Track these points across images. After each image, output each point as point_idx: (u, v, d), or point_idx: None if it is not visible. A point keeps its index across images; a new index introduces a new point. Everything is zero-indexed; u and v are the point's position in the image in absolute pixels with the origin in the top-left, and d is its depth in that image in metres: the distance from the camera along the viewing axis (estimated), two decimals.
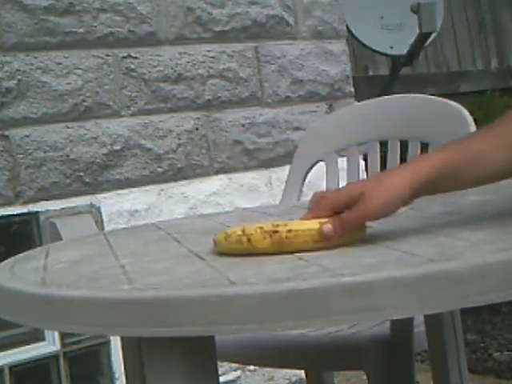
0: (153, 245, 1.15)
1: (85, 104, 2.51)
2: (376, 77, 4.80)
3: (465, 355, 1.49)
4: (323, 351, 1.45)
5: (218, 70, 2.80)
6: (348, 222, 0.90)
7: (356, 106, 2.20)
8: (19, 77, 2.40)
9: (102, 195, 2.52)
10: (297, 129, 2.97)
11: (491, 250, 0.77)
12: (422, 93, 1.88)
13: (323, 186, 1.89)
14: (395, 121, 1.81)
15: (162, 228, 1.32)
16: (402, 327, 1.38)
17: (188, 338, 0.76)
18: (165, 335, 0.76)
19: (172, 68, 2.70)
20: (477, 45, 5.52)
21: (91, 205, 2.49)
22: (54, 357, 2.37)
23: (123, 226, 2.47)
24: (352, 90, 3.15)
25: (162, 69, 2.68)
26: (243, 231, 0.91)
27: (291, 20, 3.00)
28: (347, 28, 3.38)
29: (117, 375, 2.44)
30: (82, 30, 2.52)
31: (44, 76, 2.44)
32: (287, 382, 2.82)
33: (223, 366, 2.59)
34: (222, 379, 2.59)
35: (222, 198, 2.77)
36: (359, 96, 3.04)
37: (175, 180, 2.69)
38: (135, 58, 2.63)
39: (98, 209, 2.50)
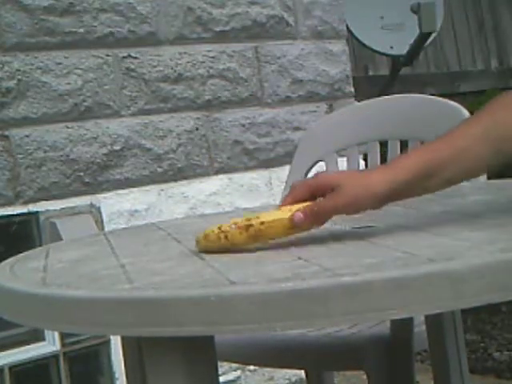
0: (153, 245, 1.15)
1: (85, 104, 2.51)
2: (376, 77, 4.80)
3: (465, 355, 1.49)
4: (323, 351, 1.45)
5: (218, 70, 2.80)
6: (319, 209, 0.92)
7: (356, 105, 2.21)
8: (19, 77, 2.40)
9: (102, 195, 2.52)
10: (297, 129, 2.97)
11: (491, 250, 0.77)
12: (422, 93, 1.88)
13: None
14: (395, 121, 1.81)
15: (162, 228, 1.32)
16: (402, 327, 1.38)
17: (188, 337, 0.76)
18: (165, 335, 0.76)
19: (172, 68, 2.70)
20: (477, 45, 5.52)
21: (91, 205, 2.49)
22: (54, 357, 2.37)
23: (123, 226, 2.47)
24: (352, 90, 3.15)
25: (162, 69, 2.68)
26: (220, 228, 0.95)
27: (291, 20, 3.00)
28: (347, 28, 3.38)
29: (117, 375, 2.44)
30: (81, 30, 2.52)
31: (44, 76, 2.44)
32: (287, 382, 2.82)
33: (223, 366, 2.59)
34: (222, 379, 2.58)
35: (222, 198, 2.77)
36: (359, 96, 3.04)
37: (175, 180, 2.69)
38: (135, 58, 2.63)
39: (98, 209, 2.50)
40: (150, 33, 2.66)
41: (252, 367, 2.71)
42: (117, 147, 2.56)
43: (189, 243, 1.09)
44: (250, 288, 0.74)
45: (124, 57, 2.60)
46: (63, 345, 2.37)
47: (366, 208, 0.93)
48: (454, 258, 0.76)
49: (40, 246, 2.34)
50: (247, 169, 2.85)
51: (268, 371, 2.78)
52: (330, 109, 3.07)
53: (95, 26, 2.55)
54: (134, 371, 1.10)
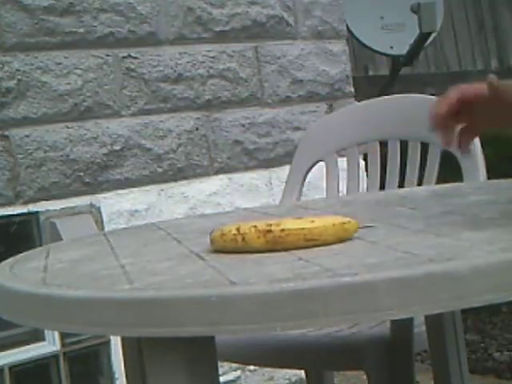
0: (153, 245, 1.15)
1: (85, 104, 2.51)
2: (376, 77, 4.80)
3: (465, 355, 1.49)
4: (323, 351, 1.45)
5: (218, 70, 2.80)
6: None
7: (356, 105, 2.21)
8: (19, 77, 2.40)
9: (102, 195, 2.52)
10: (297, 129, 2.97)
11: (492, 250, 0.77)
12: (422, 93, 1.88)
13: (323, 186, 1.89)
14: (395, 121, 1.81)
15: (162, 228, 1.32)
16: (402, 327, 1.38)
17: (188, 338, 0.76)
18: (165, 335, 0.76)
19: (172, 68, 2.70)
20: (477, 45, 5.52)
21: (91, 205, 2.49)
22: (54, 357, 2.37)
23: (123, 226, 2.47)
24: (352, 90, 3.15)
25: (162, 69, 2.68)
26: (238, 230, 0.94)
27: (291, 20, 3.00)
28: (347, 28, 3.38)
29: (117, 375, 2.44)
30: (82, 30, 2.52)
31: (44, 76, 2.44)
32: (287, 382, 2.82)
33: (223, 366, 2.59)
34: (222, 379, 2.58)
35: (222, 198, 2.77)
36: (359, 96, 3.04)
37: (175, 180, 2.69)
38: (135, 58, 2.63)
39: (98, 209, 2.50)
40: (149, 33, 2.66)
41: (252, 367, 2.71)
42: (117, 147, 2.56)
43: (189, 243, 1.09)
44: (250, 288, 0.74)
45: (124, 57, 2.60)
46: (63, 345, 2.37)
47: None
48: (455, 258, 0.76)
49: (40, 246, 2.34)
50: (247, 169, 2.85)
51: (268, 371, 2.78)
52: (330, 109, 3.07)
53: (95, 26, 2.55)
54: (134, 371, 1.10)
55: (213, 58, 2.79)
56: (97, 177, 2.52)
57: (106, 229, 2.48)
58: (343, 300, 0.71)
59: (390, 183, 1.77)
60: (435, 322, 1.45)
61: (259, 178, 2.87)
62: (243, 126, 2.85)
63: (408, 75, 4.69)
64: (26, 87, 2.41)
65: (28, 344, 2.34)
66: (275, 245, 0.92)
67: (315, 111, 3.04)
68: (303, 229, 0.92)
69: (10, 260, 1.13)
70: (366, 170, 1.87)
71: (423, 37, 4.06)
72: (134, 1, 2.63)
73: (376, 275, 0.72)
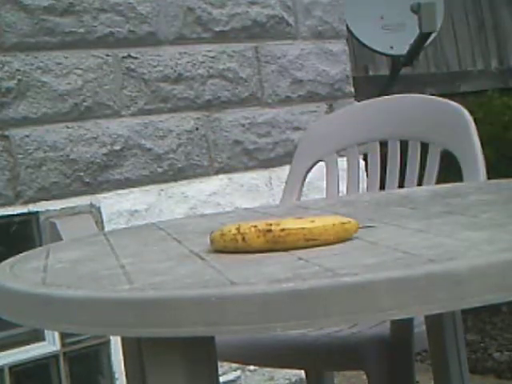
0: (153, 245, 1.15)
1: (85, 104, 2.51)
2: (376, 77, 4.80)
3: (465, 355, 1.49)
4: (323, 351, 1.45)
5: (218, 70, 2.81)
6: None
7: (356, 106, 2.21)
8: (19, 77, 2.40)
9: (102, 195, 2.52)
10: (297, 129, 2.97)
11: (492, 250, 0.77)
12: (422, 93, 1.89)
13: (323, 186, 1.89)
14: (395, 121, 1.81)
15: (162, 228, 1.32)
16: (402, 327, 1.38)
17: (188, 338, 0.76)
18: (165, 335, 0.76)
19: (172, 68, 2.70)
20: (477, 45, 5.52)
21: (91, 205, 2.49)
22: (54, 357, 2.37)
23: (123, 226, 2.47)
24: (352, 90, 3.15)
25: (161, 69, 2.68)
26: (238, 230, 0.94)
27: (291, 20, 3.00)
28: (347, 28, 3.38)
29: (117, 375, 2.44)
30: (82, 30, 2.52)
31: (44, 76, 2.44)
32: (287, 382, 2.82)
33: (223, 366, 2.59)
34: (222, 379, 2.59)
35: (222, 198, 2.77)
36: (359, 96, 3.04)
37: (175, 180, 2.69)
38: (135, 58, 2.63)
39: (98, 209, 2.50)
40: (149, 33, 2.66)
41: (252, 367, 2.71)
42: (117, 147, 2.56)
43: (189, 243, 1.09)
44: (250, 288, 0.74)
45: (124, 57, 2.60)
46: (63, 345, 2.37)
47: None
48: (454, 258, 0.76)
49: (40, 246, 2.34)
50: (247, 169, 2.85)
51: (268, 371, 2.78)
52: (330, 109, 3.07)
53: (95, 26, 2.55)
54: (134, 371, 1.10)
55: (213, 58, 2.79)
56: (97, 177, 2.52)
57: (106, 229, 2.48)
58: (343, 300, 0.71)
59: (389, 183, 1.77)
60: (435, 322, 1.45)
61: (259, 178, 2.87)
62: (243, 126, 2.85)
63: (408, 75, 4.69)
64: (26, 87, 2.41)
65: (28, 344, 2.34)
66: (275, 245, 0.92)
67: (315, 111, 3.04)
68: (303, 229, 0.92)
69: (10, 260, 1.13)
70: (366, 170, 1.87)
71: (423, 37, 4.06)
72: (134, 1, 2.63)
73: (376, 275, 0.72)
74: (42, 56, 2.45)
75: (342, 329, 1.45)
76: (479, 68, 5.48)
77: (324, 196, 1.89)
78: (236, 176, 2.82)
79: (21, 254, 1.19)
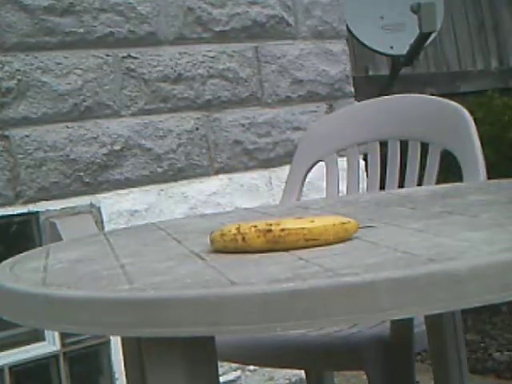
0: (153, 245, 1.15)
1: (85, 104, 2.52)
2: (376, 77, 4.80)
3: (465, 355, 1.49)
4: (323, 351, 1.45)
5: (218, 70, 2.81)
6: None
7: (356, 105, 2.21)
8: (19, 77, 2.40)
9: (102, 195, 2.52)
10: (297, 129, 2.97)
11: (492, 251, 0.77)
12: (422, 93, 1.89)
13: (323, 186, 1.89)
14: (395, 121, 1.81)
15: (162, 228, 1.32)
16: (402, 327, 1.38)
17: (188, 338, 0.76)
18: (165, 335, 0.76)
19: (172, 68, 2.70)
20: (477, 45, 5.52)
21: (91, 205, 2.49)
22: (54, 357, 2.37)
23: (123, 226, 2.47)
24: (352, 90, 3.15)
25: (161, 69, 2.68)
26: (238, 230, 0.94)
27: (291, 20, 3.00)
28: (347, 28, 3.38)
29: (117, 375, 2.44)
30: (82, 30, 2.52)
31: (44, 76, 2.44)
32: (287, 382, 2.82)
33: (223, 366, 2.59)
34: (222, 379, 2.58)
35: (222, 198, 2.77)
36: (359, 96, 3.04)
37: (175, 180, 2.69)
38: (135, 58, 2.63)
39: (98, 209, 2.50)
40: (149, 33, 2.66)
41: (252, 367, 2.71)
42: (117, 147, 2.56)
43: (189, 243, 1.09)
44: (250, 288, 0.74)
45: (124, 57, 2.60)
46: (63, 345, 2.37)
47: None
48: (454, 258, 0.76)
49: (40, 246, 2.34)
50: (247, 169, 2.85)
51: (268, 371, 2.78)
52: (330, 109, 3.07)
53: (95, 26, 2.55)
54: (134, 371, 1.10)
55: (213, 58, 2.79)
56: (97, 177, 2.52)
57: (106, 229, 2.48)
58: (343, 300, 0.71)
59: (389, 183, 1.77)
60: (435, 322, 1.45)
61: (259, 178, 2.87)
62: (243, 125, 2.85)
63: (408, 75, 4.69)
64: (26, 87, 2.41)
65: (28, 344, 2.34)
66: (275, 245, 0.92)
67: (315, 111, 3.04)
68: (303, 229, 0.92)
69: (10, 260, 1.13)
70: (366, 170, 1.87)
71: (423, 37, 4.06)
72: (134, 1, 2.63)
73: (376, 275, 0.72)
74: (42, 56, 2.45)
75: (341, 329, 1.45)
76: (479, 68, 5.48)
77: (324, 196, 1.89)
78: (236, 176, 2.82)
79: (21, 254, 1.19)
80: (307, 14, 3.04)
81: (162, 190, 2.65)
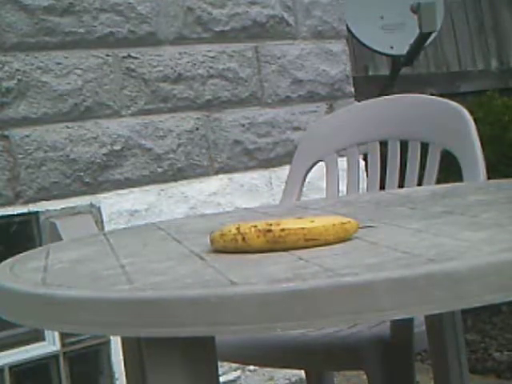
0: (153, 245, 1.15)
1: (85, 104, 2.52)
2: (376, 77, 4.80)
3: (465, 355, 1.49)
4: (323, 351, 1.45)
5: (218, 70, 2.81)
6: None
7: (356, 106, 2.21)
8: (19, 77, 2.40)
9: (102, 195, 2.52)
10: (297, 129, 2.97)
11: (492, 251, 0.77)
12: (422, 93, 1.89)
13: (323, 186, 1.89)
14: (395, 121, 1.81)
15: (162, 228, 1.32)
16: (402, 327, 1.38)
17: (188, 338, 0.76)
18: (165, 335, 0.76)
19: (172, 68, 2.70)
20: (477, 45, 5.52)
21: (91, 205, 2.49)
22: (54, 357, 2.37)
23: (123, 226, 2.47)
24: (352, 90, 3.15)
25: (162, 69, 2.68)
26: (238, 230, 0.94)
27: (291, 20, 3.00)
28: (347, 28, 3.38)
29: (117, 375, 2.44)
30: (82, 30, 2.52)
31: (44, 76, 2.44)
32: (287, 382, 2.82)
33: (223, 366, 2.59)
34: (222, 379, 2.59)
35: (222, 198, 2.77)
36: (359, 96, 3.04)
37: (175, 180, 2.69)
38: (135, 57, 2.63)
39: (98, 209, 2.50)
40: (149, 33, 2.66)
41: (252, 367, 2.71)
42: (117, 147, 2.56)
43: (189, 243, 1.09)
44: (250, 288, 0.74)
45: (124, 57, 2.60)
46: (63, 345, 2.37)
47: None
48: (454, 258, 0.76)
49: (40, 246, 2.34)
50: (247, 169, 2.85)
51: (268, 371, 2.78)
52: (330, 109, 3.07)
53: (95, 26, 2.55)
54: (134, 371, 1.10)
55: (213, 58, 2.79)
56: (97, 177, 2.52)
57: (106, 229, 2.48)
58: (343, 300, 0.71)
59: (389, 183, 1.77)
60: (435, 322, 1.45)
61: (259, 178, 2.87)
62: (243, 125, 2.85)
63: (408, 75, 4.69)
64: (26, 87, 2.41)
65: (28, 344, 2.34)
66: (275, 245, 0.92)
67: (315, 111, 3.04)
68: (303, 229, 0.92)
69: (10, 260, 1.13)
70: (366, 170, 1.87)
71: (423, 37, 4.06)
72: (134, 1, 2.63)
73: (376, 275, 0.72)
74: (42, 56, 2.45)
75: (341, 329, 1.45)
76: (479, 68, 5.48)
77: (324, 196, 1.89)
78: (236, 176, 2.82)
79: (21, 254, 1.19)
80: (307, 14, 3.04)
81: (162, 189, 2.65)
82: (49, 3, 2.46)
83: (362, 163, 2.38)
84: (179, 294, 0.76)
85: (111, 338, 2.42)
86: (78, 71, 2.51)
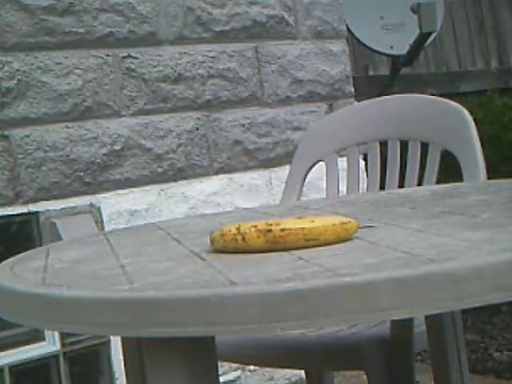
0: (153, 245, 1.15)
1: (85, 104, 2.51)
2: (376, 77, 4.80)
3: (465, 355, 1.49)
4: (323, 351, 1.45)
5: (218, 70, 2.81)
6: None
7: (356, 105, 2.21)
8: (19, 77, 2.40)
9: (102, 195, 2.52)
10: (297, 129, 2.97)
11: (491, 250, 0.77)
12: (422, 93, 1.89)
13: (323, 186, 1.89)
14: (395, 121, 1.81)
15: (162, 228, 1.32)
16: (402, 327, 1.38)
17: (188, 338, 0.76)
18: (165, 335, 0.76)
19: (172, 68, 2.70)
20: (477, 45, 5.52)
21: (91, 205, 2.49)
22: (54, 357, 2.37)
23: (123, 226, 2.47)
24: (352, 90, 3.15)
25: (162, 69, 2.68)
26: (238, 230, 0.94)
27: (291, 20, 3.00)
28: (347, 28, 3.38)
29: (117, 375, 2.44)
30: (82, 30, 2.52)
31: (44, 76, 2.44)
32: (287, 381, 2.82)
33: (223, 366, 2.59)
34: (222, 379, 2.59)
35: (222, 198, 2.77)
36: (359, 96, 3.04)
37: (175, 180, 2.69)
38: (135, 57, 2.63)
39: (98, 209, 2.50)
40: (149, 33, 2.66)
41: (252, 367, 2.71)
42: (117, 147, 2.56)
43: (189, 243, 1.09)
44: (250, 288, 0.74)
45: (124, 57, 2.60)
46: (63, 345, 2.37)
47: None
48: (454, 258, 0.76)
49: (40, 246, 2.34)
50: (247, 169, 2.85)
51: (268, 371, 2.78)
52: (330, 109, 3.07)
53: (95, 26, 2.55)
54: (134, 371, 1.10)
55: (213, 58, 2.79)
56: (97, 177, 2.52)
57: (106, 229, 2.48)
58: (343, 300, 0.71)
59: (389, 183, 1.77)
60: (435, 322, 1.45)
61: (259, 178, 2.87)
62: (243, 125, 2.85)
63: (408, 75, 4.69)
64: (26, 87, 2.41)
65: (28, 344, 2.34)
66: (275, 244, 0.92)
67: (315, 111, 3.04)
68: (303, 228, 0.92)
69: (10, 260, 1.13)
70: (366, 170, 1.87)
71: (423, 37, 4.07)
72: (134, 1, 2.63)
73: (376, 275, 0.72)
74: (42, 56, 2.45)
75: (342, 329, 1.45)
76: (479, 68, 5.48)
77: (324, 196, 1.89)
78: (236, 176, 2.82)
79: (21, 254, 1.19)
80: (307, 14, 3.04)
81: (162, 189, 2.65)
82: (49, 3, 2.46)
83: (362, 163, 2.38)
84: (179, 294, 0.76)
85: (111, 338, 2.42)
86: (78, 71, 2.51)
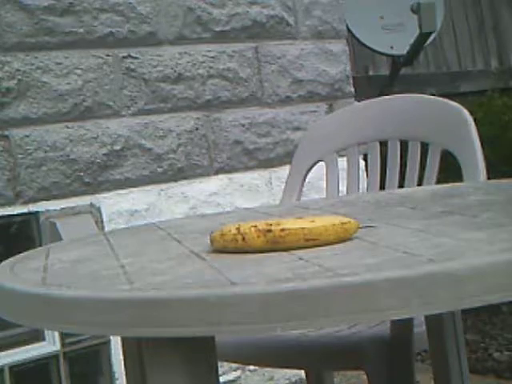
0: (153, 245, 1.15)
1: (85, 104, 2.51)
2: (376, 77, 4.80)
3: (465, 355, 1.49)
4: (323, 351, 1.45)
5: (218, 70, 2.81)
6: None
7: (356, 105, 2.21)
8: (19, 77, 2.40)
9: (102, 195, 2.52)
10: (297, 129, 2.97)
11: (491, 251, 0.77)
12: (422, 93, 1.89)
13: (323, 186, 1.89)
14: (395, 121, 1.81)
15: (163, 228, 1.32)
16: (402, 327, 1.38)
17: (188, 338, 0.76)
18: (165, 335, 0.76)
19: (172, 68, 2.70)
20: (477, 45, 5.52)
21: (91, 205, 2.49)
22: (54, 357, 2.37)
23: (123, 226, 2.47)
24: (352, 90, 3.15)
25: (161, 69, 2.68)
26: (238, 230, 0.94)
27: (291, 20, 3.00)
28: (347, 28, 3.38)
29: (117, 375, 2.44)
30: (81, 30, 2.52)
31: (44, 76, 2.44)
32: (287, 382, 2.82)
33: (223, 366, 2.59)
34: (222, 379, 2.59)
35: (222, 198, 2.77)
36: (359, 96, 3.04)
37: (175, 180, 2.69)
38: (135, 57, 2.63)
39: (98, 209, 2.50)
40: (149, 33, 2.66)
41: (252, 367, 2.71)
42: (117, 147, 2.56)
43: (189, 243, 1.09)
44: (250, 288, 0.74)
45: (124, 57, 2.60)
46: (63, 345, 2.37)
47: None
48: (454, 258, 0.76)
49: (40, 246, 2.34)
50: (247, 169, 2.85)
51: (268, 371, 2.78)
52: (330, 109, 3.07)
53: (95, 26, 2.55)
54: (134, 371, 1.10)
55: (213, 58, 2.79)
56: (97, 177, 2.52)
57: (106, 229, 2.48)
58: (343, 300, 0.71)
59: (389, 183, 1.77)
60: (435, 322, 1.45)
61: (259, 178, 2.87)
62: (243, 125, 2.85)
63: (408, 75, 4.69)
64: (26, 87, 2.41)
65: (28, 344, 2.34)
66: (275, 244, 0.92)
67: (315, 111, 3.04)
68: (303, 228, 0.92)
69: (10, 260, 1.13)
70: (366, 170, 1.87)
71: (423, 37, 4.07)
72: (134, 1, 2.63)
73: (376, 275, 0.72)
74: (42, 56, 2.45)
75: (341, 329, 1.45)
76: (479, 68, 5.48)
77: (324, 196, 1.89)
78: (236, 176, 2.82)
79: (21, 254, 1.19)
80: (307, 13, 3.04)
81: (162, 189, 2.65)
82: (49, 3, 2.46)
83: (362, 163, 2.38)
84: (179, 294, 0.76)
85: (111, 338, 2.42)
86: (78, 71, 2.51)
